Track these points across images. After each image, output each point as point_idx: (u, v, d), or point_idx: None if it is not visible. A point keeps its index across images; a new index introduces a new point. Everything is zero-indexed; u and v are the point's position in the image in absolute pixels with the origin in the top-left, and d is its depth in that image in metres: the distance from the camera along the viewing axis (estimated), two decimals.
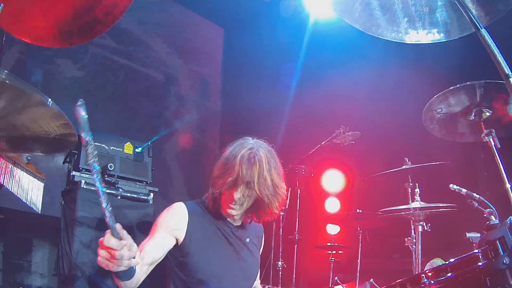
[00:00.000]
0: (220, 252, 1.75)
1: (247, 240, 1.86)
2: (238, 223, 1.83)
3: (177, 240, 1.70)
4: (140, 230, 3.05)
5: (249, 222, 1.83)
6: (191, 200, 1.85)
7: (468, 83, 2.21)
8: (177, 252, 1.71)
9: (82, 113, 1.03)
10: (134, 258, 1.26)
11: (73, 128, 1.26)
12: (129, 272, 1.35)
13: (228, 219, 1.81)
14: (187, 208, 1.75)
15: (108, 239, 1.17)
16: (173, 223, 1.70)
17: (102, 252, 1.21)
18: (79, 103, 1.03)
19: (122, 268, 1.24)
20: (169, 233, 1.68)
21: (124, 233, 1.19)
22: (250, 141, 1.76)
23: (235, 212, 1.73)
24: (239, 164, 1.65)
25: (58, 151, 1.46)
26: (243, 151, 1.69)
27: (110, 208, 1.10)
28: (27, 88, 0.98)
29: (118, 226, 1.17)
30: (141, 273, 1.52)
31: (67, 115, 1.29)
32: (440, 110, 2.40)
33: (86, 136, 1.04)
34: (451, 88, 2.27)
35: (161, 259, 1.68)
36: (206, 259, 1.69)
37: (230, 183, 1.66)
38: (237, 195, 1.66)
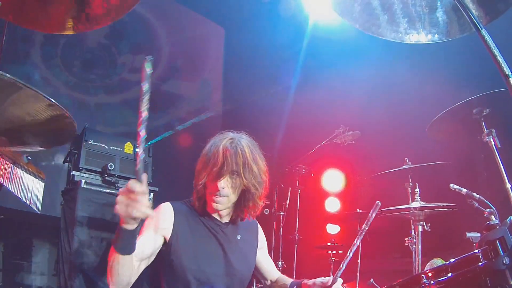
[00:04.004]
0: (208, 250, 1.74)
1: (238, 237, 1.83)
2: (226, 220, 1.81)
3: (164, 238, 1.70)
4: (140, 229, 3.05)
5: (239, 219, 1.81)
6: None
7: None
8: (166, 251, 1.71)
9: (148, 69, 1.22)
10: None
11: (70, 118, 1.26)
12: (131, 243, 1.39)
13: (215, 216, 1.78)
14: (173, 207, 1.76)
15: (134, 183, 1.23)
16: (160, 222, 1.71)
17: (122, 198, 1.27)
18: (148, 58, 1.24)
19: (138, 214, 1.27)
20: (157, 232, 1.69)
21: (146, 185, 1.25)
22: (231, 134, 1.78)
23: (221, 206, 1.70)
24: (223, 154, 1.65)
25: (58, 144, 1.47)
26: (225, 142, 1.70)
27: (144, 156, 1.22)
28: (15, 81, 0.99)
29: (144, 176, 1.24)
30: (133, 270, 1.51)
31: (68, 110, 1.29)
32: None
33: (144, 85, 1.21)
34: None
35: (152, 258, 1.68)
36: (193, 257, 1.69)
37: (215, 173, 1.66)
38: (221, 184, 1.66)
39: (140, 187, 1.23)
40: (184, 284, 1.68)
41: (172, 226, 1.71)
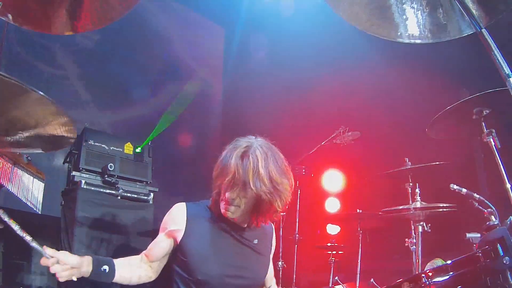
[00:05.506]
0: (222, 253, 1.73)
1: (255, 241, 1.82)
2: (244, 225, 1.78)
3: (176, 240, 1.73)
4: (140, 229, 3.05)
5: (257, 224, 1.76)
6: (192, 200, 1.86)
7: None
8: (178, 252, 1.72)
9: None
10: (75, 269, 1.50)
11: (72, 124, 1.26)
12: (100, 275, 1.59)
13: (232, 220, 1.77)
14: (186, 208, 1.76)
15: (41, 261, 1.46)
16: (171, 225, 1.74)
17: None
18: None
19: (64, 279, 1.48)
20: (168, 235, 1.74)
21: (49, 251, 1.46)
22: (249, 139, 1.71)
23: (231, 214, 1.68)
24: (235, 164, 1.61)
25: (58, 148, 1.48)
26: (238, 150, 1.65)
27: (30, 238, 1.42)
28: (21, 84, 1.00)
29: (43, 248, 1.45)
30: (144, 268, 1.73)
31: (67, 112, 1.29)
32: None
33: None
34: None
35: (166, 259, 1.79)
36: (205, 259, 1.69)
37: (228, 184, 1.62)
38: (230, 195, 1.63)
39: (46, 262, 1.45)
40: (195, 285, 1.69)
41: (184, 228, 1.71)
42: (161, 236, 1.76)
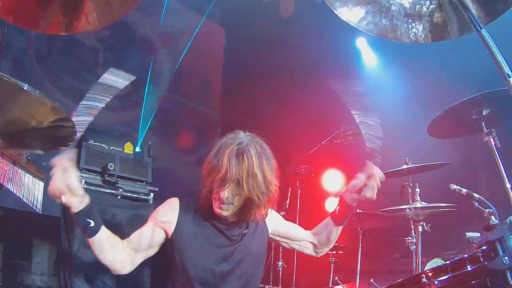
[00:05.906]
0: (214, 249, 1.72)
1: (245, 231, 1.79)
2: (234, 219, 1.75)
3: (166, 233, 1.71)
4: None
5: (248, 219, 1.75)
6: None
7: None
8: (169, 248, 1.71)
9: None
10: (70, 191, 1.44)
11: (71, 122, 1.26)
12: (86, 226, 1.51)
13: (224, 217, 1.75)
14: (179, 203, 1.76)
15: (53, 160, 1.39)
16: (162, 216, 1.73)
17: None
18: None
19: (52, 191, 1.40)
20: (157, 225, 1.71)
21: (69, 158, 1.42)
22: (240, 136, 1.68)
23: (225, 212, 1.65)
24: (228, 161, 1.57)
25: (58, 147, 1.48)
26: (231, 147, 1.60)
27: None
28: (19, 83, 1.00)
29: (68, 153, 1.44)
30: (122, 253, 1.63)
31: (68, 113, 1.29)
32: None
33: None
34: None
35: (151, 252, 1.72)
36: (196, 256, 1.68)
37: (219, 181, 1.59)
38: (224, 194, 1.60)
39: (56, 161, 1.37)
40: (186, 283, 1.68)
41: (175, 222, 1.70)
42: (149, 224, 1.71)
